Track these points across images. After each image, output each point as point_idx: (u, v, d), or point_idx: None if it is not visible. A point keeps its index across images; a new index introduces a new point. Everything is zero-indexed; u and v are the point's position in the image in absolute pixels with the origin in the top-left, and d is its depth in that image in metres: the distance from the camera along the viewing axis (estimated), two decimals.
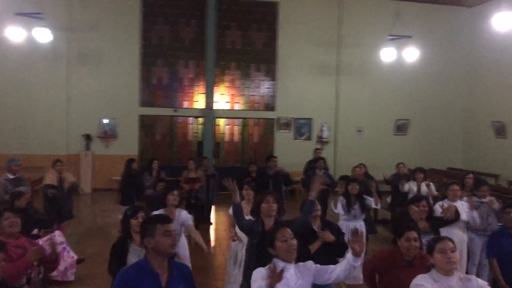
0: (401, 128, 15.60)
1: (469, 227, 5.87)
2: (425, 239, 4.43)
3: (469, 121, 15.50)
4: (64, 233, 7.08)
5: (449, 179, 13.48)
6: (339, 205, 6.42)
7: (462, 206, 5.76)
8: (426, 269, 3.59)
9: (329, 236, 4.25)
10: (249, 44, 15.14)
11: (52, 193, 7.63)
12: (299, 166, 12.11)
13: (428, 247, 3.16)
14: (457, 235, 5.63)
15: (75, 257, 6.36)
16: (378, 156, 14.07)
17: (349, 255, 3.13)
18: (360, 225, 6.25)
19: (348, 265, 3.09)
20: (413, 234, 3.60)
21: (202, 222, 9.81)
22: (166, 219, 2.90)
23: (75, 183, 8.24)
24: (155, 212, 4.96)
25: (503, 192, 10.71)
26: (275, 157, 8.75)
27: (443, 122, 15.57)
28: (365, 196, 6.45)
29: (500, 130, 13.66)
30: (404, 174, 8.95)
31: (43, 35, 11.49)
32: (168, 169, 9.68)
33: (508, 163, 13.29)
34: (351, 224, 6.19)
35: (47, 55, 13.35)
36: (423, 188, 7.93)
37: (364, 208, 6.40)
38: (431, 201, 7.73)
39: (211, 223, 10.23)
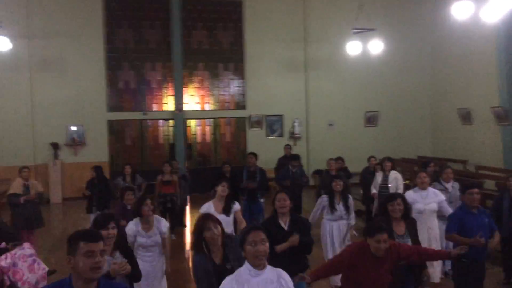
0: (371, 120, 15.83)
1: (438, 215, 5.95)
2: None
3: (435, 109, 15.85)
4: (35, 244, 6.87)
5: (419, 168, 13.78)
6: (320, 206, 6.07)
7: (434, 195, 5.82)
8: (394, 262, 3.71)
9: (296, 240, 4.23)
10: (216, 44, 15.06)
11: (25, 199, 7.50)
12: (272, 163, 12.13)
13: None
14: (432, 223, 5.76)
15: (46, 269, 6.15)
16: (350, 148, 14.22)
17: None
18: (342, 224, 6.04)
19: None
20: (384, 236, 3.62)
21: (177, 225, 9.71)
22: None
23: (41, 192, 8.05)
24: (131, 223, 4.88)
25: (471, 177, 10.99)
26: (253, 153, 8.67)
27: (411, 112, 15.87)
28: (348, 195, 6.11)
29: (466, 117, 14.01)
30: (375, 167, 9.06)
31: (2, 43, 11.12)
32: (141, 174, 9.51)
33: (475, 148, 13.65)
34: (335, 224, 6.02)
35: (8, 63, 12.92)
36: (392, 177, 8.02)
37: (348, 207, 6.02)
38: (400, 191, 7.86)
39: (185, 226, 10.13)
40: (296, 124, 15.21)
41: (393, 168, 8.27)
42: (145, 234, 4.82)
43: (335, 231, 6.03)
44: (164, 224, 5.01)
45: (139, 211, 4.83)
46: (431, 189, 5.89)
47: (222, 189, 5.48)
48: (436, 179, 6.91)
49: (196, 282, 3.58)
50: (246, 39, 15.08)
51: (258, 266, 2.87)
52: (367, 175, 8.95)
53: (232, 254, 3.53)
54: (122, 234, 5.16)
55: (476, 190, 4.71)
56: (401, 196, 4.74)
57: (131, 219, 4.97)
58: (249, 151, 14.50)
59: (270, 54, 15.03)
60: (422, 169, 7.17)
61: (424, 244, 5.50)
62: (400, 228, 4.43)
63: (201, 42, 14.98)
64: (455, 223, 4.70)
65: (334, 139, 15.14)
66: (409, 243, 4.34)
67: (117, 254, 3.77)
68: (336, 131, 15.44)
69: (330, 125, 15.52)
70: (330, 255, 5.84)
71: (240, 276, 2.89)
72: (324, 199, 6.06)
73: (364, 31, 12.79)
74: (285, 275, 2.98)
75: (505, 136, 12.36)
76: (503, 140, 12.47)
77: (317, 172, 14.77)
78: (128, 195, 6.18)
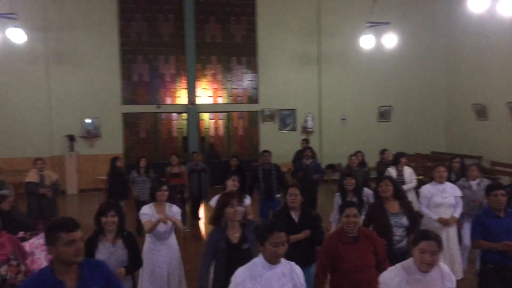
0: (384, 114, 15.73)
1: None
2: (393, 221, 4.55)
3: (450, 104, 15.69)
4: None
5: (433, 163, 13.68)
6: (336, 206, 5.81)
7: (452, 189, 5.81)
8: (372, 244, 3.74)
9: (306, 233, 4.39)
10: (229, 37, 15.08)
11: (42, 191, 7.62)
12: (285, 158, 12.17)
13: (413, 239, 3.02)
14: (444, 215, 5.73)
15: None
16: (362, 143, 14.11)
17: None
18: None
19: None
20: (353, 210, 3.73)
21: (193, 217, 9.80)
22: (71, 226, 2.58)
23: (56, 182, 8.18)
24: (145, 207, 5.00)
25: (486, 173, 10.89)
26: (267, 151, 8.65)
27: (425, 107, 15.74)
28: (363, 188, 6.00)
29: (480, 112, 13.85)
30: (389, 161, 9.02)
31: (18, 35, 11.26)
32: (154, 166, 9.60)
33: (489, 144, 13.50)
34: None
35: (24, 56, 13.12)
36: (406, 172, 8.00)
37: (363, 203, 5.76)
38: (413, 185, 7.83)
39: (199, 218, 10.21)
40: (309, 118, 15.19)
41: (406, 164, 8.25)
42: (157, 215, 4.94)
43: None
44: (175, 209, 5.13)
45: (154, 196, 5.01)
46: (448, 184, 5.87)
47: (232, 184, 5.58)
48: (462, 175, 6.91)
49: (203, 254, 3.75)
50: (259, 32, 15.07)
51: (275, 263, 2.96)
52: (382, 168, 8.89)
53: (251, 236, 3.67)
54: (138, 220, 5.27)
55: (501, 191, 4.33)
56: (388, 177, 4.99)
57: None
58: (261, 145, 14.62)
59: (283, 47, 15.00)
60: (448, 164, 7.04)
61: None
62: (393, 207, 4.63)
63: (214, 35, 15.01)
64: (478, 229, 4.35)
65: (347, 134, 15.10)
66: (405, 220, 4.57)
67: (119, 242, 3.88)
68: (349, 126, 15.39)
69: (343, 119, 15.46)
70: None
71: (253, 269, 2.94)
72: (337, 198, 5.88)
73: (378, 25, 12.69)
74: (297, 269, 3.04)
75: None
76: None
77: (330, 167, 14.77)
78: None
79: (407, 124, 15.60)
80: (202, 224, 10.01)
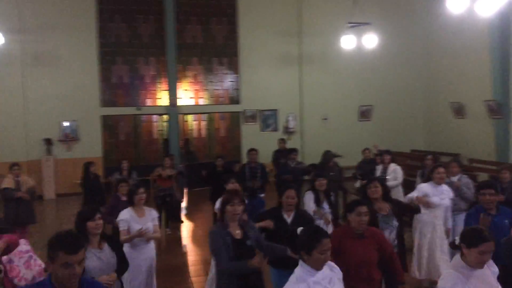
0: (364, 114, 15.87)
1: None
2: (384, 222, 4.52)
3: (429, 103, 15.92)
4: (28, 241, 6.82)
5: (413, 161, 13.86)
6: (309, 201, 5.74)
7: (447, 192, 5.85)
8: (376, 241, 3.76)
9: (269, 224, 4.42)
10: (210, 38, 14.99)
11: (19, 195, 7.45)
12: (267, 158, 12.12)
13: (469, 241, 2.94)
14: (439, 218, 5.79)
15: (43, 265, 6.12)
16: (343, 142, 14.25)
17: None
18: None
19: None
20: (364, 208, 3.76)
21: (173, 221, 9.70)
22: (73, 247, 2.37)
23: (33, 188, 8.00)
24: (123, 212, 4.91)
25: (464, 170, 11.06)
26: (254, 149, 8.64)
27: (404, 106, 15.93)
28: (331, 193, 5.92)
29: (458, 111, 14.09)
30: (371, 159, 9.10)
31: None
32: (135, 169, 9.45)
33: (467, 141, 13.75)
34: (321, 222, 5.62)
35: (0, 58, 12.77)
36: (390, 169, 8.07)
37: (332, 206, 5.84)
38: (396, 183, 7.91)
39: (182, 221, 10.11)
40: (290, 118, 15.23)
41: (392, 161, 8.31)
42: (139, 220, 4.88)
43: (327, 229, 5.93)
44: (154, 213, 5.12)
45: (132, 199, 4.95)
46: (444, 185, 5.88)
47: (232, 186, 5.67)
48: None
49: (213, 254, 3.68)
50: (240, 33, 15.03)
51: (320, 269, 2.92)
52: (364, 166, 8.98)
53: (251, 233, 3.74)
54: (114, 227, 5.20)
55: (489, 190, 4.44)
56: (378, 179, 4.98)
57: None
58: (243, 146, 14.58)
59: (264, 48, 15.00)
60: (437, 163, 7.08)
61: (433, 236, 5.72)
62: (383, 209, 4.62)
63: (195, 36, 14.90)
64: (470, 225, 4.30)
65: (328, 133, 15.17)
66: (395, 222, 4.57)
67: (105, 246, 3.80)
68: (330, 125, 15.47)
69: (324, 119, 15.54)
70: None
71: (302, 277, 2.89)
72: (309, 196, 5.73)
73: (359, 25, 12.79)
74: (333, 263, 3.08)
75: (498, 130, 12.46)
76: (496, 133, 12.57)
77: (312, 166, 14.79)
78: (122, 186, 6.18)
79: (387, 123, 15.77)
80: (184, 227, 9.91)
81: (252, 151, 8.42)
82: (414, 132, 16.08)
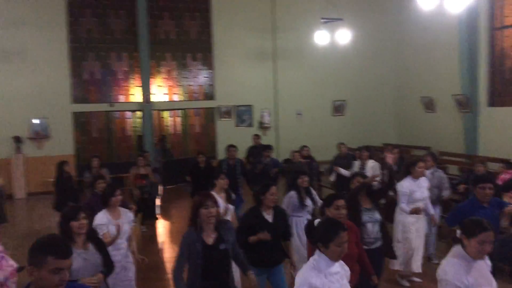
0: (338, 108, 16.06)
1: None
2: (367, 216, 4.61)
3: (400, 97, 16.23)
4: (0, 240, 6.65)
5: (384, 154, 14.11)
6: (287, 202, 5.68)
7: (424, 183, 5.95)
8: (355, 234, 3.84)
9: (266, 236, 4.28)
10: (184, 34, 14.87)
11: None
12: (242, 153, 12.13)
13: (468, 230, 2.99)
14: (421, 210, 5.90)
15: (15, 265, 5.99)
16: (318, 137, 14.42)
17: None
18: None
19: None
20: (341, 202, 3.83)
21: (148, 218, 9.62)
22: (64, 252, 2.25)
23: (1, 187, 7.78)
24: (99, 216, 4.74)
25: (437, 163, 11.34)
26: (233, 146, 8.63)
27: (377, 101, 16.20)
28: (311, 190, 5.91)
29: (428, 105, 14.43)
30: (345, 154, 9.22)
31: None
32: (108, 167, 9.32)
33: (437, 135, 14.10)
34: (304, 219, 5.59)
35: None
36: (369, 165, 8.18)
37: (315, 201, 5.79)
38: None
39: (157, 218, 10.04)
40: (265, 114, 15.28)
41: (370, 157, 8.42)
42: (114, 223, 4.75)
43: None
44: (130, 215, 5.02)
45: (108, 201, 4.77)
46: (422, 178, 5.96)
47: (223, 182, 5.60)
48: (401, 165, 7.20)
49: (179, 254, 3.58)
50: (214, 29, 14.95)
51: (336, 260, 2.95)
52: (339, 161, 9.07)
53: (227, 236, 3.58)
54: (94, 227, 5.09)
55: (489, 184, 4.39)
56: (360, 174, 5.05)
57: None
58: (218, 141, 14.57)
59: (239, 44, 14.97)
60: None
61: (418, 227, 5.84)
62: (366, 202, 4.68)
63: (168, 32, 14.74)
64: (457, 217, 4.31)
65: (302, 128, 15.30)
66: (378, 215, 4.67)
67: (90, 246, 3.69)
68: (304, 120, 15.61)
69: (299, 114, 15.66)
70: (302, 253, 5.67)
71: (319, 266, 2.92)
72: (293, 196, 5.66)
73: (332, 21, 12.92)
74: (342, 261, 3.09)
75: (466, 123, 12.83)
76: (464, 126, 12.94)
77: (286, 162, 14.89)
78: (99, 183, 6.11)
79: (360, 117, 16.02)
80: (159, 224, 9.85)
81: (231, 147, 8.39)
82: (386, 126, 16.38)
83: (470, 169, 6.79)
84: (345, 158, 9.00)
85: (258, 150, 9.95)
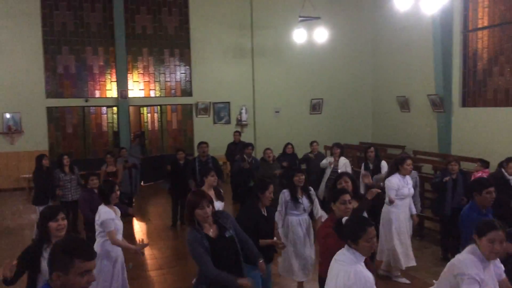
0: (315, 107, 16.19)
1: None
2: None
3: (376, 97, 16.48)
4: None
5: (361, 153, 14.32)
6: (281, 199, 5.56)
7: (410, 180, 6.11)
8: None
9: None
10: (161, 29, 14.70)
11: None
12: (220, 150, 12.13)
13: (479, 229, 3.08)
14: (407, 208, 6.05)
15: None
16: (295, 135, 14.46)
17: None
18: (305, 219, 5.57)
19: None
20: (348, 196, 3.85)
21: (124, 216, 9.50)
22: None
23: None
24: (107, 211, 4.66)
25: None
26: (205, 142, 8.61)
27: (353, 99, 16.39)
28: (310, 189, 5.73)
29: (404, 104, 14.69)
30: (318, 152, 9.32)
31: None
32: (83, 163, 9.20)
33: (412, 134, 14.37)
34: (301, 218, 5.52)
35: None
36: (341, 162, 8.30)
37: (311, 200, 5.61)
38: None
39: (133, 216, 9.94)
40: (243, 111, 15.27)
41: (341, 154, 8.54)
42: (117, 218, 4.78)
43: (302, 225, 5.58)
44: (118, 209, 4.99)
45: (110, 198, 4.73)
46: (407, 175, 6.13)
47: (212, 179, 5.61)
48: (378, 164, 7.37)
49: (197, 262, 3.45)
50: (192, 24, 14.83)
51: (367, 255, 2.99)
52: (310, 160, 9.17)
53: (227, 223, 3.57)
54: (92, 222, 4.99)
55: (493, 188, 4.29)
56: (347, 174, 5.02)
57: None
58: (196, 138, 14.47)
59: (217, 40, 14.90)
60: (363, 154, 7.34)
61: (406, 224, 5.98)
62: (353, 203, 4.61)
63: (145, 26, 14.55)
64: (470, 227, 4.08)
65: (280, 126, 15.36)
66: (365, 215, 4.65)
67: None
68: (282, 118, 15.66)
69: (277, 112, 15.71)
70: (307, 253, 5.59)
71: (353, 260, 2.95)
72: (285, 194, 5.55)
73: (309, 19, 12.98)
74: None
75: (440, 123, 13.12)
76: (438, 126, 13.22)
77: (263, 160, 14.94)
78: (93, 179, 6.29)
79: (337, 115, 16.18)
80: (135, 221, 9.74)
81: (203, 144, 8.35)
82: (362, 125, 16.59)
83: (445, 168, 6.92)
84: (316, 156, 9.11)
85: (238, 147, 9.95)
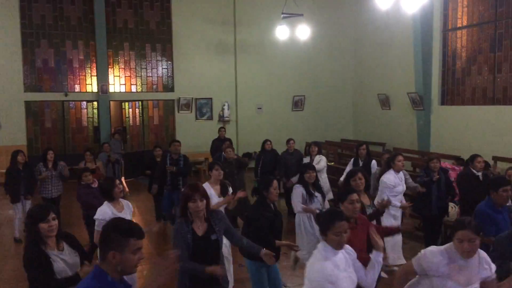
0: (298, 104, 16.25)
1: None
2: (368, 213, 4.64)
3: (357, 94, 16.62)
4: None
5: (343, 150, 14.47)
6: (296, 193, 5.61)
7: (403, 176, 6.19)
8: (366, 228, 3.83)
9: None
10: (143, 23, 14.53)
11: None
12: (202, 147, 12.12)
13: (451, 230, 3.13)
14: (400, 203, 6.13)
15: None
16: (277, 132, 14.52)
17: (372, 254, 3.23)
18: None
19: (373, 263, 3.18)
20: (355, 196, 3.85)
21: None
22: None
23: None
24: (103, 209, 4.56)
25: None
26: (177, 141, 8.57)
27: (335, 97, 16.50)
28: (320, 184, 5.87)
29: (384, 102, 14.86)
30: (293, 150, 9.37)
31: None
32: (62, 159, 8.99)
33: (392, 131, 14.56)
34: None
35: None
36: (316, 160, 8.38)
37: (324, 195, 5.70)
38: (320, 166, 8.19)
39: None
40: (225, 107, 15.23)
41: (319, 152, 8.60)
42: (119, 215, 4.61)
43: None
44: (130, 205, 4.87)
45: (112, 194, 4.61)
46: (401, 172, 6.23)
47: (218, 173, 5.58)
48: (369, 161, 7.49)
49: (174, 247, 3.46)
50: (174, 19, 14.70)
51: (338, 249, 3.00)
52: (287, 156, 9.20)
53: (218, 226, 3.56)
54: (92, 222, 4.86)
55: (509, 186, 4.35)
56: (361, 170, 4.96)
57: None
58: (178, 134, 14.40)
59: (199, 36, 14.81)
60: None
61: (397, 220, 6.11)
62: (366, 199, 4.69)
63: (126, 20, 14.36)
64: (489, 225, 4.26)
65: (262, 123, 15.38)
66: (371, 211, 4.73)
67: (65, 246, 3.46)
68: (264, 115, 15.68)
69: (259, 108, 15.72)
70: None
71: (325, 255, 2.96)
72: (300, 189, 5.60)
73: (292, 16, 13.00)
74: (348, 246, 3.14)
75: (419, 120, 13.32)
76: (418, 124, 13.42)
77: (246, 155, 14.96)
78: (86, 175, 6.33)
79: (319, 112, 16.27)
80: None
81: (175, 142, 8.33)
82: (343, 122, 16.73)
83: (426, 166, 6.99)
84: (291, 154, 9.17)
85: (220, 143, 9.93)
